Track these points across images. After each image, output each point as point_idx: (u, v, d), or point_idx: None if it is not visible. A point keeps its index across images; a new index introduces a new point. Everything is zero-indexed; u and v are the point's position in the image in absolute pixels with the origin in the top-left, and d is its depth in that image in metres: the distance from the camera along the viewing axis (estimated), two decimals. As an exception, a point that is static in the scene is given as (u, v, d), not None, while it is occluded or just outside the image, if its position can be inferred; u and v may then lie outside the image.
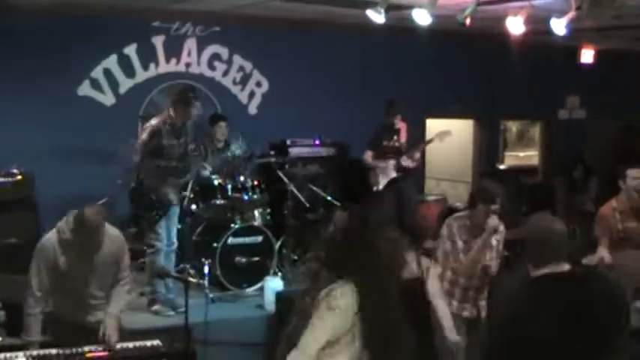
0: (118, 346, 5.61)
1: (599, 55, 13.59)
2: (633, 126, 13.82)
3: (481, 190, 6.37)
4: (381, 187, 10.16)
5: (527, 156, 14.46)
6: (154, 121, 7.98)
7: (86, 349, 5.51)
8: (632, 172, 6.98)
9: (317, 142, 10.93)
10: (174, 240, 8.19)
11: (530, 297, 4.04)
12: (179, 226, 8.52)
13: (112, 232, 5.92)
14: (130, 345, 5.66)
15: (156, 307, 7.96)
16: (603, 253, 6.82)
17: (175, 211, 8.19)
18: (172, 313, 7.78)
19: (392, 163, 10.09)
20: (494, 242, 6.25)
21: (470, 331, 6.31)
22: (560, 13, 8.16)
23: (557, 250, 4.09)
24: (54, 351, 5.45)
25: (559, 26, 8.23)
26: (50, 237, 5.76)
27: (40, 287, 5.68)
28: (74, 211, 5.66)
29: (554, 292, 3.98)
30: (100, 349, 5.54)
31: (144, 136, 7.93)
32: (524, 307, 3.96)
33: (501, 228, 6.30)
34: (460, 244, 6.26)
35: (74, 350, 5.48)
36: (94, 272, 5.80)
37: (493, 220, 6.16)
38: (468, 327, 6.32)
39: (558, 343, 3.83)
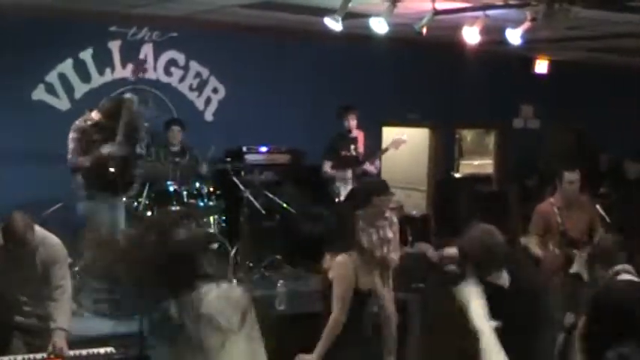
0: (71, 353, 5.55)
1: (553, 65, 13.76)
2: (577, 129, 13.89)
3: (371, 184, 6.46)
4: (342, 197, 10.12)
5: (482, 164, 14.58)
6: (77, 121, 8.10)
7: (38, 356, 5.45)
8: (568, 175, 7.67)
9: (273, 149, 10.90)
10: None
11: None
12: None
13: (48, 239, 5.85)
14: (84, 352, 5.60)
15: (109, 314, 7.87)
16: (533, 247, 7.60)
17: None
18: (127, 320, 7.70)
19: (351, 172, 10.08)
20: (390, 234, 6.29)
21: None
22: (515, 24, 8.26)
23: (500, 261, 4.36)
24: (5, 358, 5.38)
25: (514, 36, 8.33)
26: None
27: None
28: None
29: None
30: (53, 356, 5.47)
31: (72, 135, 8.00)
32: None
33: (395, 219, 6.42)
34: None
35: (26, 357, 5.42)
36: (23, 279, 5.75)
37: (389, 213, 6.32)
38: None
39: None
